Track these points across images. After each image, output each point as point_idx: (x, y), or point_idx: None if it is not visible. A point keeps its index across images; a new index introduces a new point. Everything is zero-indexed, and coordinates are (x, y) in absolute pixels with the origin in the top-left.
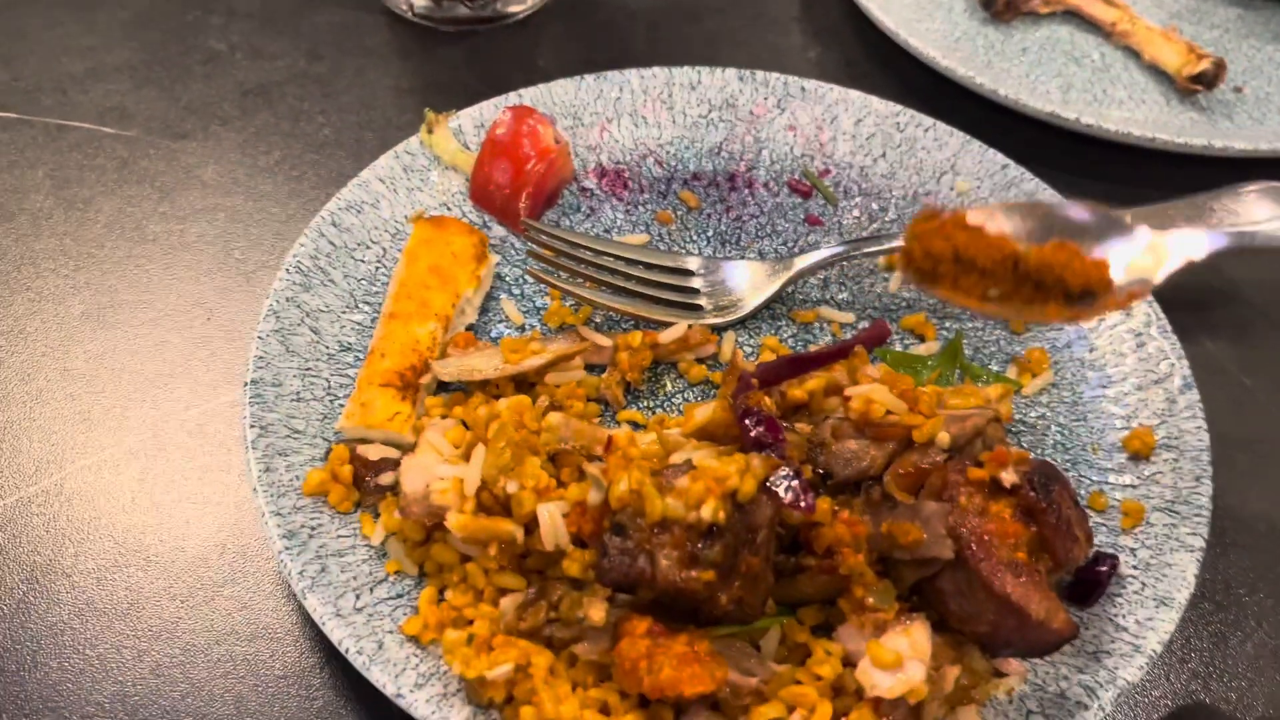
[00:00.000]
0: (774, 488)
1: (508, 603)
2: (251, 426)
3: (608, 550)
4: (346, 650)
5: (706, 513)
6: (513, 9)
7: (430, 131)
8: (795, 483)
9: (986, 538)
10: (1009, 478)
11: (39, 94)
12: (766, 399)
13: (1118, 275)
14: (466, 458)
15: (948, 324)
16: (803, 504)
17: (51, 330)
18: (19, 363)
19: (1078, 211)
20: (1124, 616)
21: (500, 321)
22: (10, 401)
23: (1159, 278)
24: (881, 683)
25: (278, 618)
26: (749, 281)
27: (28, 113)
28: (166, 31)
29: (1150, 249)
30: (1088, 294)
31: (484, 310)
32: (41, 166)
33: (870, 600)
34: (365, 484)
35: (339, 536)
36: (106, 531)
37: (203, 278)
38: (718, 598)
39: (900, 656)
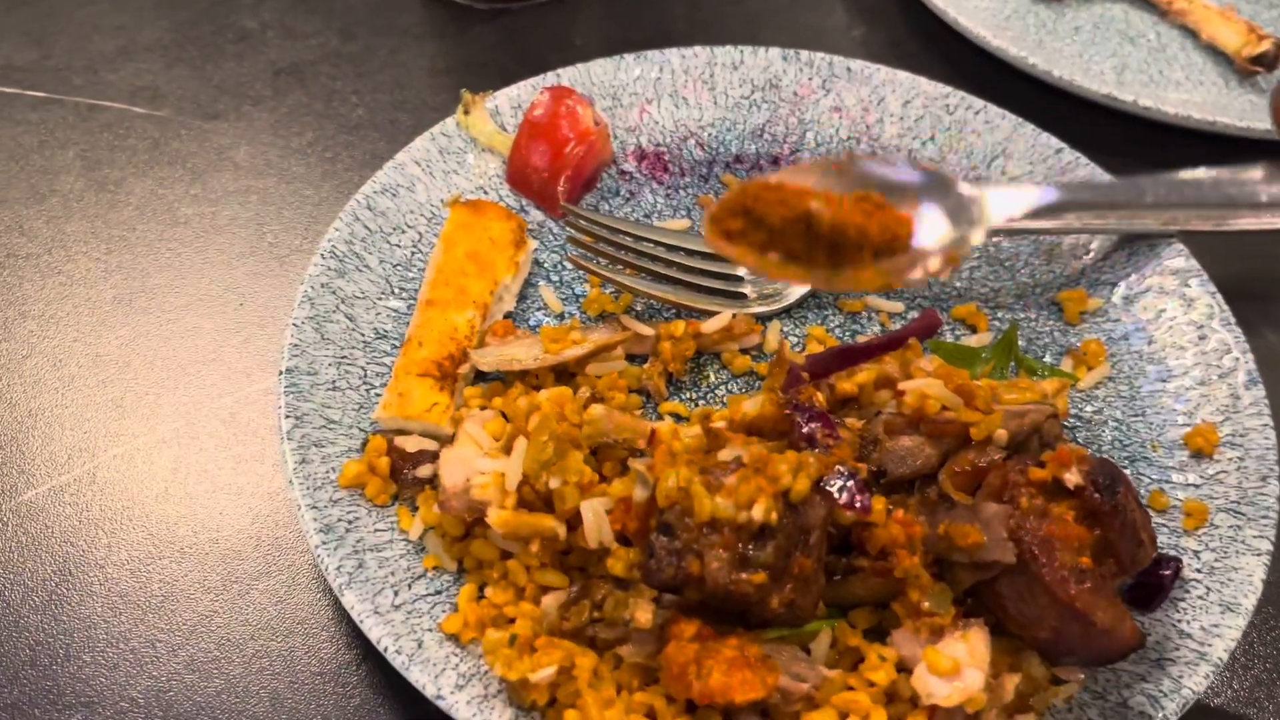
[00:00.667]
0: (828, 487)
1: (550, 601)
2: (287, 416)
3: (655, 550)
4: (385, 649)
5: (758, 513)
6: None
7: (467, 113)
8: (851, 482)
9: (1049, 541)
10: (1073, 479)
11: (69, 73)
12: (817, 393)
13: (937, 234)
14: (507, 451)
15: (1000, 314)
16: (858, 504)
17: (83, 315)
18: (50, 348)
19: (899, 170)
20: (1188, 622)
21: (539, 309)
22: (42, 388)
23: (977, 238)
24: (938, 690)
25: (313, 612)
26: None
27: (58, 92)
28: (197, 10)
29: (971, 207)
30: (892, 250)
31: (522, 297)
32: (72, 147)
33: (926, 604)
34: (403, 476)
35: (376, 530)
36: (140, 522)
37: (235, 262)
38: (768, 600)
39: (958, 663)
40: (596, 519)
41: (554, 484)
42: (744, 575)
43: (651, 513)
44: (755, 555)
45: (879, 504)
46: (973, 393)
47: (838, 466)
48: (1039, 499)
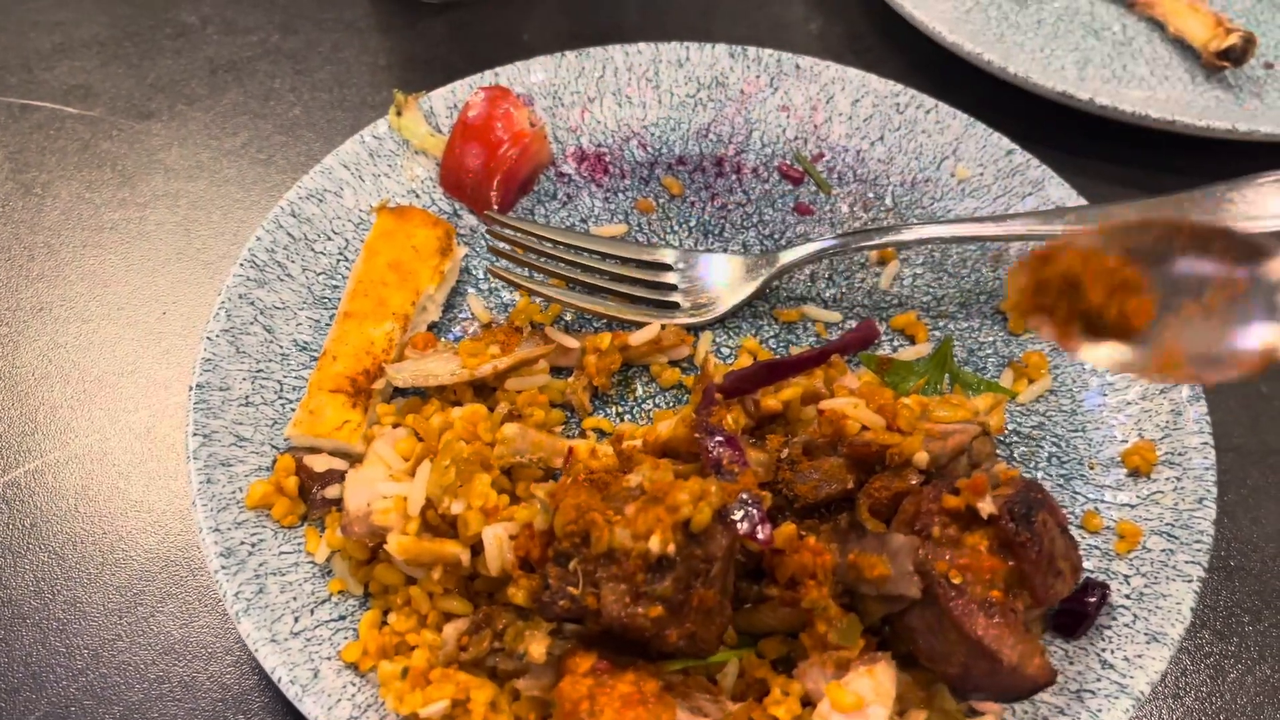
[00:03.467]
0: (730, 517)
1: (450, 630)
2: (194, 435)
3: (549, 582)
4: (279, 679)
5: (655, 545)
6: None
7: (399, 114)
8: (754, 512)
9: (959, 574)
10: (986, 508)
11: (4, 72)
12: (731, 417)
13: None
14: (415, 472)
15: (941, 324)
16: (760, 536)
17: (1, 324)
18: None
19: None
20: (1112, 652)
21: (465, 319)
22: None
23: None
24: None
25: (218, 636)
26: (729, 277)
27: None
28: (138, 4)
29: None
30: (1126, 335)
31: (449, 306)
32: (2, 149)
33: (833, 636)
34: (311, 497)
35: (281, 553)
36: (45, 542)
37: (160, 269)
38: (667, 634)
39: (861, 700)
40: (498, 545)
41: (457, 509)
42: (639, 609)
43: (552, 541)
44: (653, 588)
45: (789, 529)
46: (895, 412)
47: (742, 494)
48: (952, 528)
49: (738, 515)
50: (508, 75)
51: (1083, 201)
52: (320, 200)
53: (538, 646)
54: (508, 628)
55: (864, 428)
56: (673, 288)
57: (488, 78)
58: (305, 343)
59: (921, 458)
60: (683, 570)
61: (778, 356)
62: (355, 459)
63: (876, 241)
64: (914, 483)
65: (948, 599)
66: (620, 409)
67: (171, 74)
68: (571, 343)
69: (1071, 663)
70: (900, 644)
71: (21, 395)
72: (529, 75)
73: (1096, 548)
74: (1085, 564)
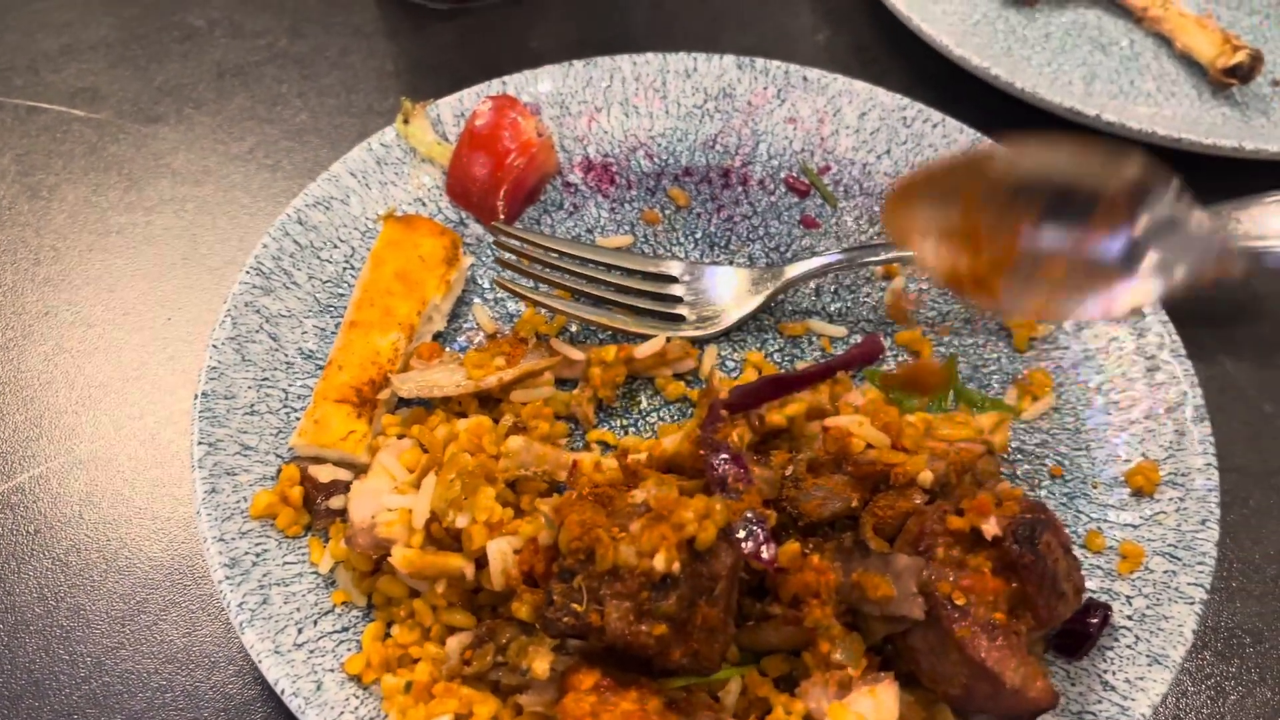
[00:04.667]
0: (735, 535)
1: (454, 644)
2: (199, 443)
3: (553, 598)
4: (282, 691)
5: (660, 563)
6: None
7: (407, 121)
8: (759, 531)
9: (963, 596)
10: (990, 529)
11: (11, 73)
12: (736, 433)
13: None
14: (419, 484)
15: (946, 340)
16: (764, 555)
17: (7, 328)
18: None
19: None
20: (1114, 674)
21: (470, 329)
22: None
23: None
24: None
25: (220, 645)
26: (734, 290)
27: None
28: (145, 5)
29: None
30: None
31: (455, 316)
32: (9, 152)
33: (836, 655)
34: (316, 507)
35: (285, 564)
36: (49, 549)
37: (166, 274)
38: (670, 651)
39: None
40: (502, 560)
41: (462, 522)
42: (644, 627)
43: (556, 556)
44: (657, 605)
45: (793, 548)
46: (900, 431)
47: (746, 513)
48: (956, 549)
49: (742, 534)
50: (515, 84)
51: None
52: (327, 208)
53: (541, 662)
54: (511, 642)
55: (869, 445)
56: (678, 300)
57: (495, 86)
58: (310, 351)
59: (926, 477)
60: (687, 588)
61: (782, 371)
62: (360, 469)
63: (882, 257)
64: (918, 502)
65: (951, 621)
66: (624, 421)
67: (179, 77)
68: (577, 355)
69: (1073, 684)
70: (902, 664)
71: (26, 400)
72: (536, 84)
73: (1099, 567)
74: (1087, 584)
